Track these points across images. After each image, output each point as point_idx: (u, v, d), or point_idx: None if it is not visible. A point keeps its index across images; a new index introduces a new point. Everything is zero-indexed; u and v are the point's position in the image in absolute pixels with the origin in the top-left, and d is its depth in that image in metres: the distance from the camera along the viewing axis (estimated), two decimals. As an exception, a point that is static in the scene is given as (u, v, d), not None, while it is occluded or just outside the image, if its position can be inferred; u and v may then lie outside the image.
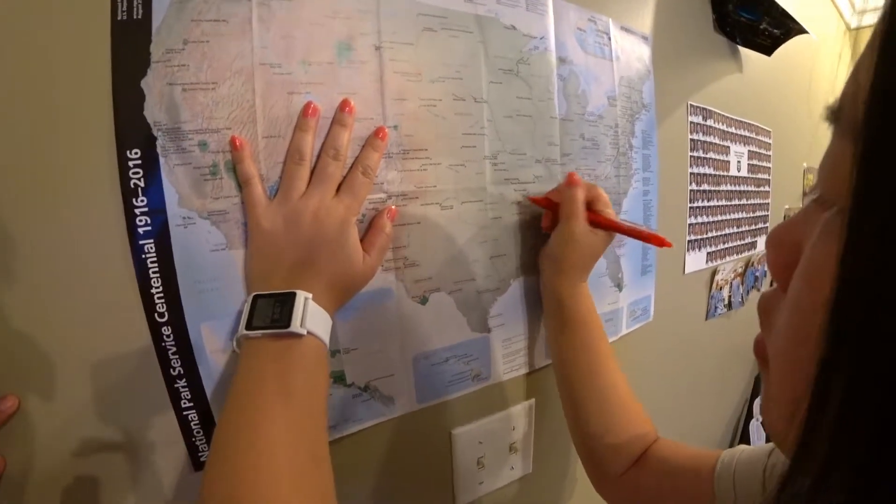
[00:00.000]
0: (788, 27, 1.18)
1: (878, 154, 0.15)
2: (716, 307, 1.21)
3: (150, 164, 0.39)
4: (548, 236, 0.61)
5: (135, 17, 0.38)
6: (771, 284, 1.67)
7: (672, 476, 0.53)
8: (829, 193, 0.20)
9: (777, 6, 1.09)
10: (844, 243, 0.16)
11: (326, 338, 0.42)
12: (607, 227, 0.59)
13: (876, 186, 0.15)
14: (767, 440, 0.50)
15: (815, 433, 0.18)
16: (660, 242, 0.57)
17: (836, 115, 0.20)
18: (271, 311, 0.39)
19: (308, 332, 0.39)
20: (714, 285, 1.17)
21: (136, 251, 0.39)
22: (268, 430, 0.35)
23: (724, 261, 1.19)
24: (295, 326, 0.38)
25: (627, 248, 0.80)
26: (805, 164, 1.75)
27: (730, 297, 1.26)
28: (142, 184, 0.39)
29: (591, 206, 0.60)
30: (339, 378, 0.50)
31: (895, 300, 0.15)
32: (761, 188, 1.36)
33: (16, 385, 0.37)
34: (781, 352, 0.22)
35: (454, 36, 0.54)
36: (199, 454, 0.44)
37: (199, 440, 0.44)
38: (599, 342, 0.60)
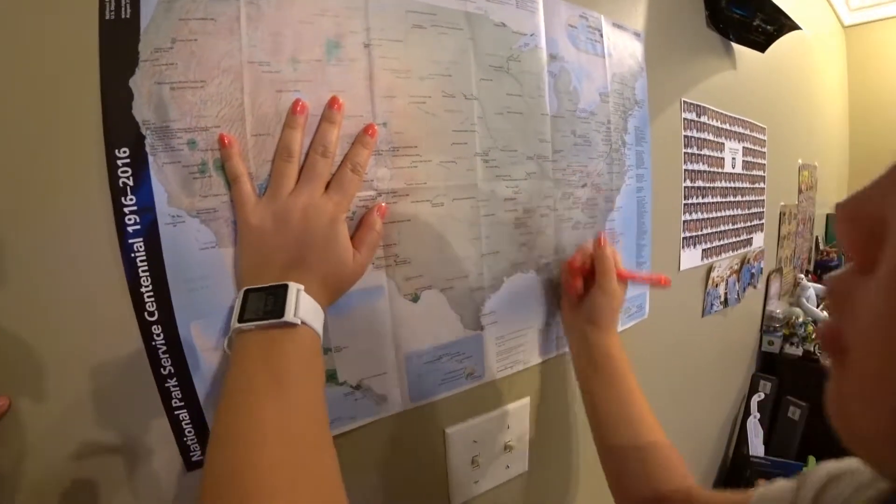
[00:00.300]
0: (781, 23, 1.19)
1: None
2: (712, 304, 1.21)
3: (139, 163, 0.39)
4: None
5: (123, 16, 0.38)
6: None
7: None
8: None
9: (770, 2, 1.09)
10: None
11: (320, 329, 0.41)
12: (627, 278, 0.66)
13: None
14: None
15: None
16: (666, 283, 0.68)
17: None
18: (263, 304, 0.39)
19: (302, 322, 0.38)
20: (710, 282, 1.17)
21: (126, 250, 0.39)
22: (265, 419, 0.34)
23: (719, 258, 1.19)
24: (289, 316, 0.38)
25: (622, 246, 0.80)
26: (800, 161, 1.76)
27: (726, 293, 1.26)
28: (131, 182, 0.39)
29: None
30: (330, 376, 0.50)
31: None
32: (756, 185, 1.36)
33: (6, 385, 0.37)
34: (875, 342, 0.19)
35: (443, 33, 0.54)
36: (192, 454, 0.44)
37: (191, 440, 0.44)
38: (636, 391, 0.62)
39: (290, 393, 0.36)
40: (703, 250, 1.12)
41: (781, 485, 0.46)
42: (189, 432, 0.44)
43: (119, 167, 0.38)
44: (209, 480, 0.32)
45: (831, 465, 0.40)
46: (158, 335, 0.41)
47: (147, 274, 0.40)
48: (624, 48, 0.79)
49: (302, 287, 0.40)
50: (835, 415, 0.22)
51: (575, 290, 0.66)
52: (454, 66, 0.55)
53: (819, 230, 2.14)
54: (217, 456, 0.33)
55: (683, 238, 1.03)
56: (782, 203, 1.60)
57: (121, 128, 0.38)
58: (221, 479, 0.32)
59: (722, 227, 1.19)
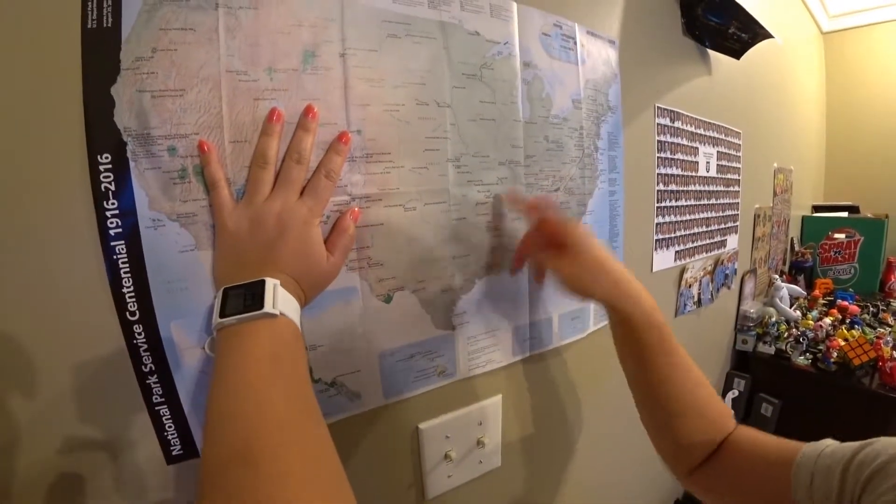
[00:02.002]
0: (755, 32, 1.22)
1: None
2: (685, 304, 1.24)
3: (121, 168, 0.41)
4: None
5: (104, 25, 0.40)
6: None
7: (750, 465, 0.52)
8: None
9: (744, 11, 1.12)
10: None
11: (298, 321, 0.43)
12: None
13: None
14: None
15: None
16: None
17: None
18: (243, 300, 0.40)
19: (281, 314, 0.40)
20: (683, 283, 1.21)
21: (108, 252, 0.41)
22: (267, 400, 0.35)
23: (692, 259, 1.23)
24: (268, 307, 0.39)
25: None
26: (776, 164, 1.80)
27: (699, 294, 1.29)
28: (112, 187, 0.41)
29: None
30: (306, 373, 0.52)
31: None
32: (731, 188, 1.40)
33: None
34: None
35: (418, 42, 0.56)
36: (172, 448, 0.46)
37: (171, 434, 0.46)
38: (674, 350, 0.60)
39: (279, 378, 0.37)
40: (677, 252, 1.15)
41: (840, 445, 0.46)
42: (169, 427, 0.46)
43: (101, 172, 0.40)
44: (213, 463, 0.32)
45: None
46: (140, 334, 0.43)
47: (129, 275, 0.42)
48: (598, 55, 0.82)
49: (278, 282, 0.42)
50: None
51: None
52: (428, 74, 0.57)
53: (795, 231, 2.19)
54: (218, 440, 0.33)
55: (656, 240, 1.06)
56: (757, 206, 1.63)
57: (103, 134, 0.40)
58: (230, 461, 0.32)
59: (695, 230, 1.22)
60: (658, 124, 1.02)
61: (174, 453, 0.46)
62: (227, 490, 0.30)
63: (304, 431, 0.36)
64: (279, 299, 0.40)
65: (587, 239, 0.60)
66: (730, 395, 1.57)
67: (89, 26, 0.39)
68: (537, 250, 0.65)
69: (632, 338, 0.59)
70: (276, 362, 0.38)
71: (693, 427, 0.57)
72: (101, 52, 0.40)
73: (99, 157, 0.40)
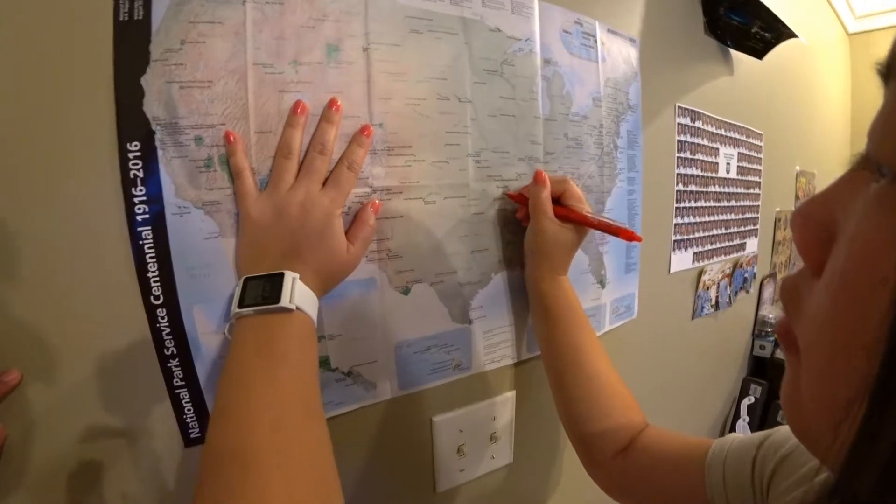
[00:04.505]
0: (779, 31, 1.20)
1: None
2: (703, 307, 1.23)
3: (149, 157, 0.42)
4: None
5: (135, 17, 0.41)
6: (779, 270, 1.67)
7: (660, 463, 0.53)
8: (884, 158, 0.18)
9: (768, 10, 1.11)
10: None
11: (314, 315, 0.44)
12: (576, 221, 0.61)
13: None
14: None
15: (871, 447, 0.15)
16: (629, 237, 0.58)
17: (888, 69, 0.18)
18: (261, 291, 0.41)
19: (297, 308, 0.41)
20: (701, 285, 1.20)
21: (135, 237, 0.42)
22: (258, 402, 0.37)
23: (711, 261, 1.21)
24: (284, 302, 0.40)
25: (610, 246, 0.83)
26: (798, 167, 1.77)
27: (717, 297, 1.28)
28: (141, 174, 0.42)
29: (562, 201, 0.62)
30: (323, 362, 0.53)
31: None
32: (751, 190, 1.38)
33: (19, 359, 0.39)
34: (821, 342, 0.20)
35: (439, 38, 0.56)
36: (190, 431, 0.47)
37: (190, 418, 0.47)
38: (582, 332, 0.62)
39: (283, 376, 0.38)
40: (695, 253, 1.14)
41: (743, 438, 0.47)
42: (189, 410, 0.47)
43: (130, 160, 0.41)
44: (209, 457, 0.35)
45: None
46: (163, 318, 0.44)
47: (154, 260, 0.43)
48: (618, 53, 0.82)
49: (297, 275, 0.43)
50: (787, 407, 0.23)
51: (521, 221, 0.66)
52: (449, 69, 0.57)
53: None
54: (217, 434, 0.36)
55: (674, 241, 1.06)
56: (778, 209, 1.61)
57: (132, 123, 0.41)
58: (221, 458, 0.34)
59: (714, 231, 1.21)
60: (678, 124, 1.02)
61: (192, 436, 0.47)
62: (219, 486, 0.33)
63: (301, 434, 0.37)
64: (296, 293, 0.41)
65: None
66: (745, 402, 1.55)
67: (121, 19, 0.40)
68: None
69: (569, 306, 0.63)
70: (284, 360, 0.39)
71: (603, 426, 0.58)
72: (132, 44, 0.41)
73: (128, 144, 0.41)
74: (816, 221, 0.21)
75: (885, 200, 0.17)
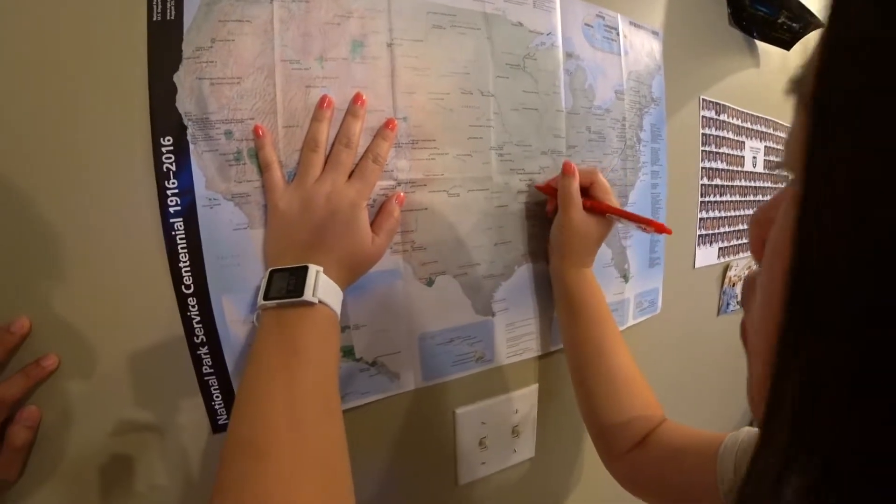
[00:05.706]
0: (807, 21, 1.17)
1: (820, 123, 0.15)
2: (728, 303, 1.21)
3: (181, 150, 0.44)
4: (552, 222, 0.64)
5: (168, 17, 0.43)
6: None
7: (675, 456, 0.54)
8: (789, 167, 0.19)
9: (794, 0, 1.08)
10: (796, 212, 0.17)
11: (338, 308, 0.45)
12: (604, 212, 0.61)
13: (818, 153, 0.15)
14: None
15: (778, 412, 0.17)
16: (660, 229, 0.58)
17: (796, 86, 0.19)
18: (286, 284, 0.43)
19: (319, 302, 0.42)
20: (726, 281, 1.18)
21: (167, 228, 0.44)
22: (277, 393, 0.38)
23: (737, 256, 1.19)
24: (307, 296, 0.41)
25: (634, 241, 0.82)
26: (827, 162, 1.73)
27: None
28: (173, 168, 0.43)
29: (589, 193, 0.62)
30: (348, 352, 0.54)
31: (843, 266, 0.15)
32: (779, 185, 1.35)
33: (58, 346, 0.41)
34: (755, 329, 0.22)
35: (462, 33, 0.57)
36: (218, 417, 0.49)
37: (218, 404, 0.48)
38: (605, 325, 0.62)
39: (302, 371, 0.40)
40: (720, 249, 1.12)
41: (751, 433, 0.47)
42: (217, 397, 0.48)
43: (163, 154, 0.43)
44: (228, 444, 0.37)
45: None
46: (193, 307, 0.45)
47: (185, 251, 0.44)
48: (641, 46, 0.81)
49: (321, 269, 0.44)
50: (748, 398, 0.24)
51: (549, 213, 0.66)
52: (472, 64, 0.58)
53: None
54: (237, 423, 0.38)
55: (699, 235, 1.04)
56: (806, 203, 1.57)
57: (165, 118, 0.43)
58: (238, 446, 0.36)
59: (740, 226, 1.19)
60: (703, 117, 1.00)
61: (220, 422, 0.49)
62: (232, 477, 0.35)
63: (315, 430, 0.38)
64: (320, 287, 0.43)
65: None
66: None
67: (154, 19, 0.42)
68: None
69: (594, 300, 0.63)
70: (305, 355, 0.41)
71: (622, 418, 0.59)
72: (165, 43, 0.42)
73: (162, 139, 0.43)
74: (759, 223, 0.23)
75: (794, 199, 0.18)
